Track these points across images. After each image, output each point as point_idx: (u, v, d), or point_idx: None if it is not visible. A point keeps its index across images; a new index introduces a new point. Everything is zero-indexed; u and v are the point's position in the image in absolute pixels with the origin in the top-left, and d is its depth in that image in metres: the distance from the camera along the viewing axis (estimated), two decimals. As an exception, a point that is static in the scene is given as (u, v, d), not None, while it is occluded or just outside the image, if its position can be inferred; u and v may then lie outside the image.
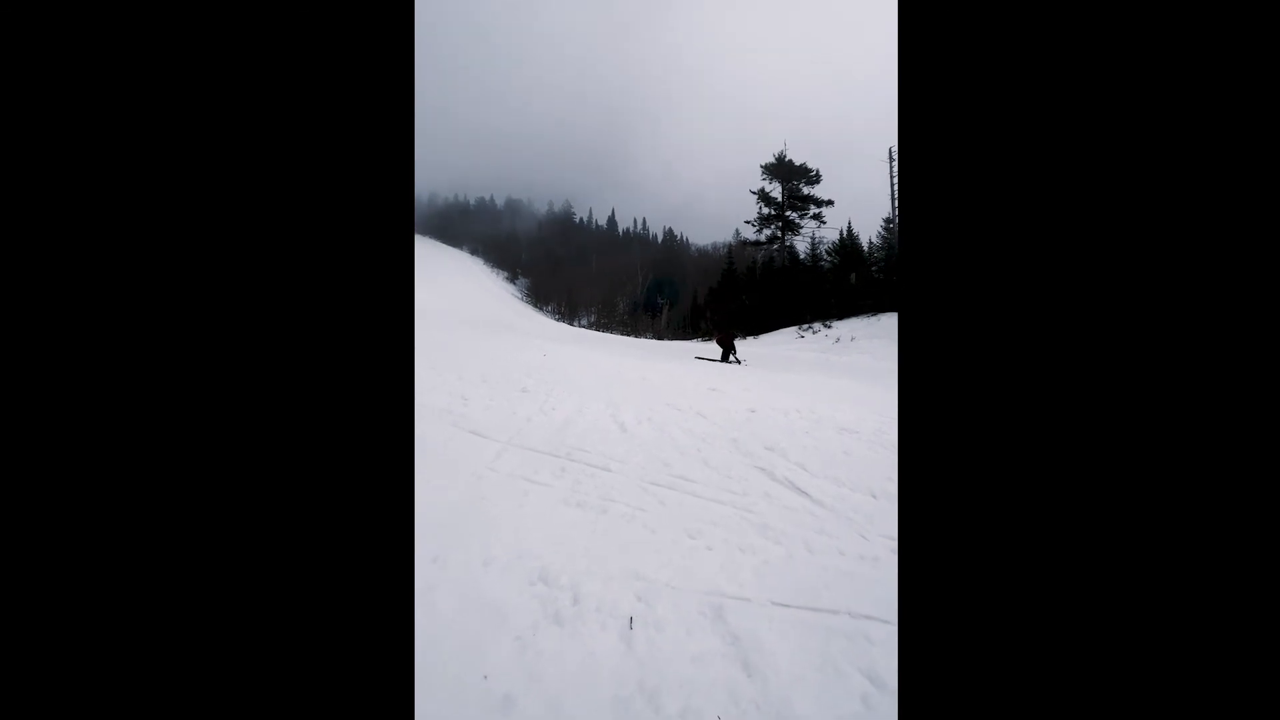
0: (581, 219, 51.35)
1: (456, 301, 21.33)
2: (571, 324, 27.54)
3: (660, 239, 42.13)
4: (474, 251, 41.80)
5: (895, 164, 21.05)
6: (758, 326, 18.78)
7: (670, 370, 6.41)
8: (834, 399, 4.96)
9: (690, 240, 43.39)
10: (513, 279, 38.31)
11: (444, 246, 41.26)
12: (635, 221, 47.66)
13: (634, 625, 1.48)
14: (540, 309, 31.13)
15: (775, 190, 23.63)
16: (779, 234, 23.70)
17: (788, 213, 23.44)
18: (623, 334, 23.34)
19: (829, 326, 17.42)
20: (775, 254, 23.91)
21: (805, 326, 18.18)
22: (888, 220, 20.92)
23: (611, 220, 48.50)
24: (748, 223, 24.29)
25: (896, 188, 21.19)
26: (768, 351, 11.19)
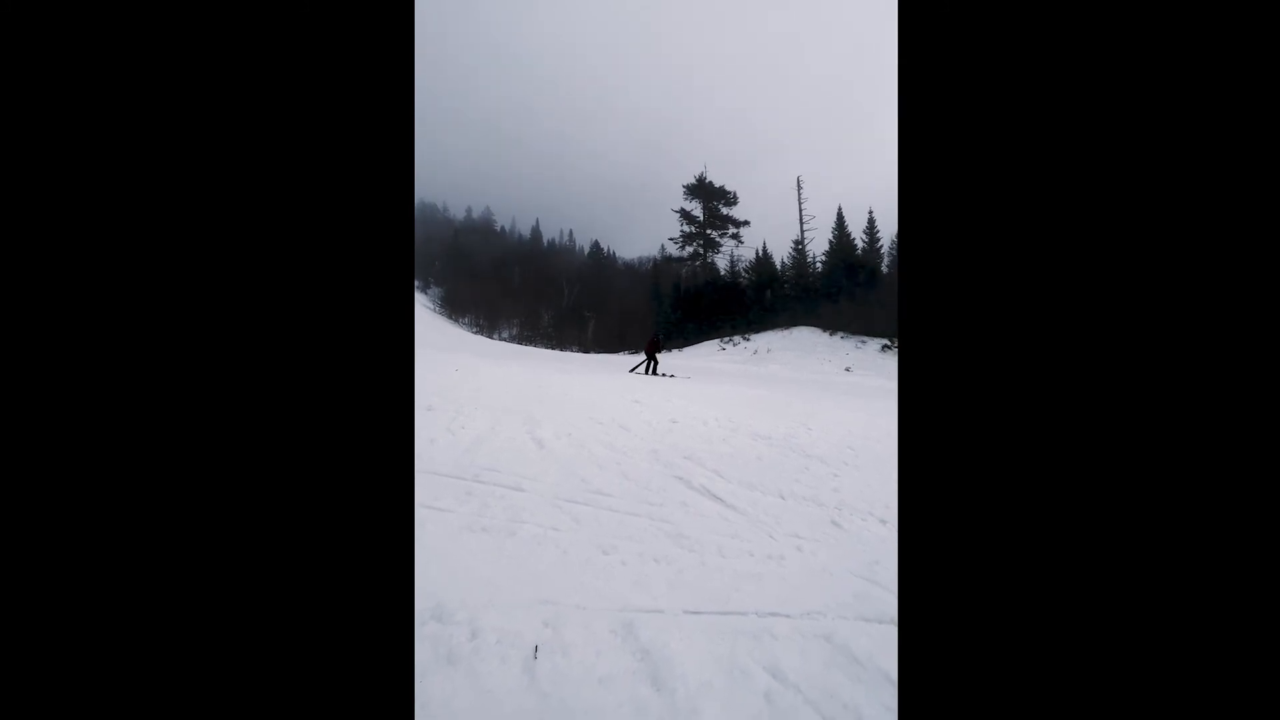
0: (503, 227, 49.86)
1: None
2: (491, 337, 26.38)
3: (586, 251, 42.15)
4: (384, 259, 38.56)
5: (802, 191, 23.21)
6: (682, 340, 19.40)
7: (595, 383, 6.35)
8: (751, 407, 5.22)
9: (618, 254, 43.98)
10: (424, 288, 35.90)
11: (349, 253, 37.59)
12: (561, 233, 47.35)
13: (539, 654, 1.39)
14: (456, 321, 29.47)
15: (696, 209, 24.84)
16: (701, 251, 24.87)
17: (708, 231, 24.70)
18: (547, 347, 22.82)
19: (748, 339, 18.52)
20: (698, 270, 25.02)
21: (726, 339, 19.14)
22: (797, 242, 22.85)
23: (536, 230, 47.65)
24: (672, 239, 25.21)
25: (804, 211, 23.28)
26: (692, 363, 11.59)
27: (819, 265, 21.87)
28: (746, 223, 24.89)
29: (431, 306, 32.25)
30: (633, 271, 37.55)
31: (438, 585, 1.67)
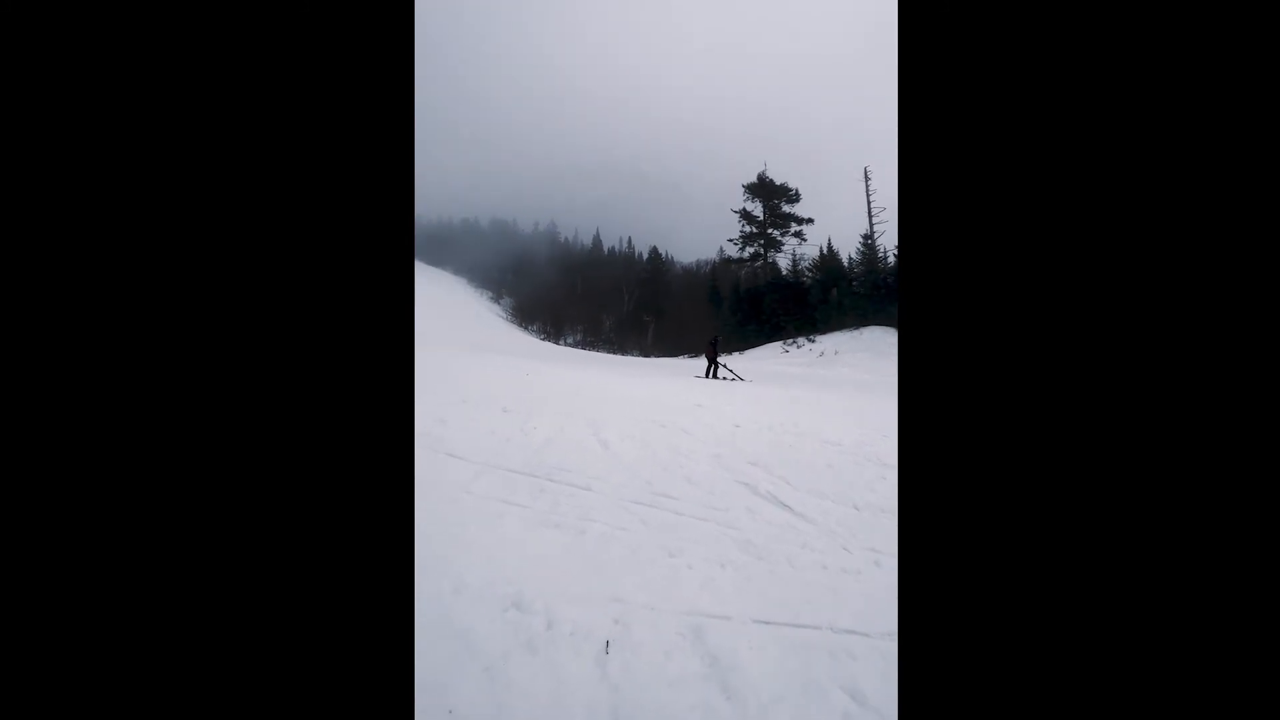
0: (567, 238, 51.83)
1: (438, 324, 21.14)
2: (557, 343, 27.45)
3: (645, 257, 42.64)
4: (457, 272, 41.71)
5: (870, 182, 21.83)
6: (743, 342, 18.96)
7: (655, 386, 6.40)
8: (818, 412, 4.99)
9: (675, 258, 44.06)
10: (497, 299, 38.19)
11: (427, 268, 41.14)
12: (620, 240, 48.29)
13: (610, 650, 1.43)
14: (525, 329, 31.02)
15: (757, 209, 24.21)
16: (761, 251, 24.18)
17: (769, 230, 23.98)
18: (608, 352, 23.32)
19: (813, 341, 17.69)
20: (759, 271, 24.35)
21: (790, 342, 18.42)
22: (866, 237, 21.52)
23: (596, 239, 49.10)
24: (731, 241, 24.74)
25: (893, 196, 21.89)
26: (754, 366, 11.28)
27: (891, 259, 20.37)
28: (810, 220, 23.86)
29: (504, 316, 34.26)
30: (690, 275, 37.42)
31: (517, 575, 1.77)
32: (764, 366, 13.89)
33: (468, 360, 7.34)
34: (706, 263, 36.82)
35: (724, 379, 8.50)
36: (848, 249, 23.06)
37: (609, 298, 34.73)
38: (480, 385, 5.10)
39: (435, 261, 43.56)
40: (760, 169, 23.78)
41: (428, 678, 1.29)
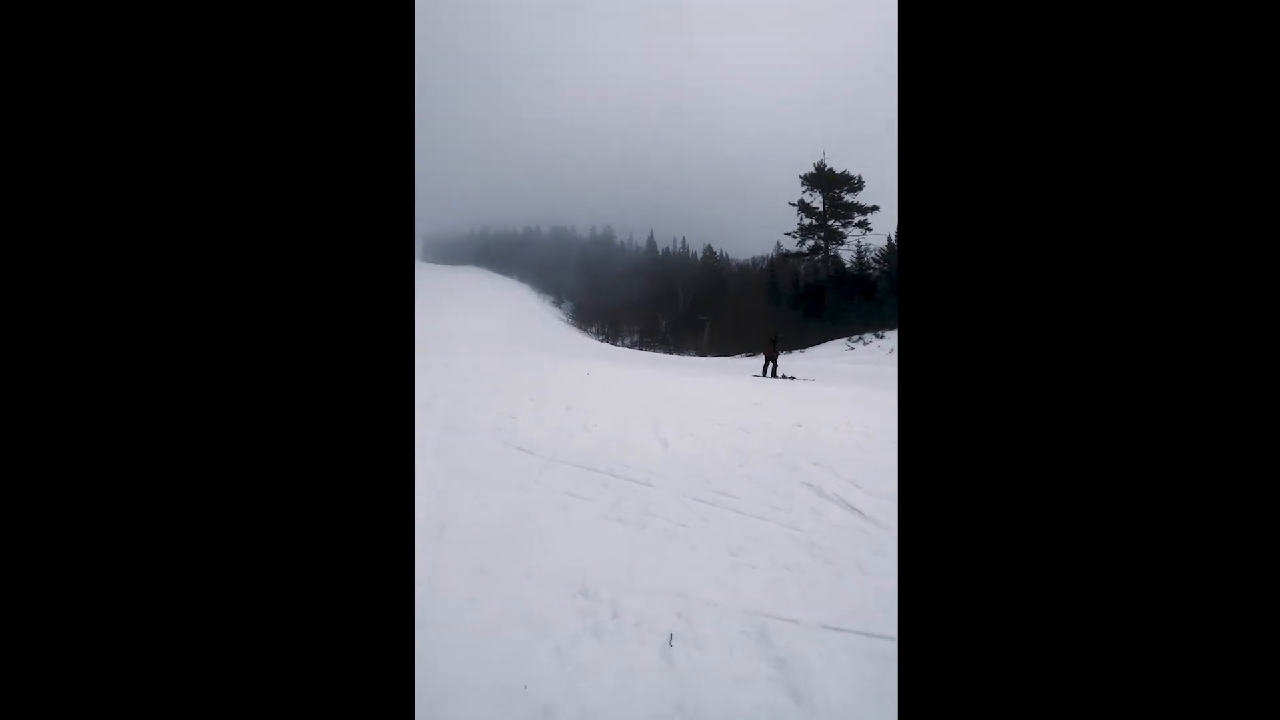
0: (622, 242, 52.58)
1: (505, 326, 22.31)
2: (615, 344, 27.96)
3: (700, 256, 42.19)
4: (522, 278, 43.76)
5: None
6: (804, 339, 18.17)
7: (712, 385, 6.33)
8: (887, 413, 4.69)
9: (730, 255, 43.21)
10: (558, 303, 39.61)
11: (494, 275, 43.54)
12: (675, 241, 48.19)
13: (674, 642, 1.45)
14: (584, 330, 31.89)
15: (816, 200, 23.11)
16: (822, 244, 23.06)
17: (830, 222, 22.80)
18: (665, 352, 23.36)
19: (881, 337, 16.58)
20: (819, 264, 23.25)
21: (856, 338, 17.40)
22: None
23: (651, 241, 49.36)
24: (788, 235, 23.80)
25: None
26: (816, 364, 10.79)
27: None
28: (875, 208, 22.33)
29: (564, 318, 35.51)
30: (747, 272, 36.53)
31: (583, 563, 1.85)
32: (827, 365, 13.24)
33: (533, 361, 7.70)
34: (763, 259, 35.78)
35: (782, 378, 8.22)
36: (920, 237, 21.28)
37: (664, 298, 34.79)
38: (545, 384, 5.33)
39: (502, 269, 46.02)
40: (818, 159, 22.67)
41: (504, 652, 1.38)
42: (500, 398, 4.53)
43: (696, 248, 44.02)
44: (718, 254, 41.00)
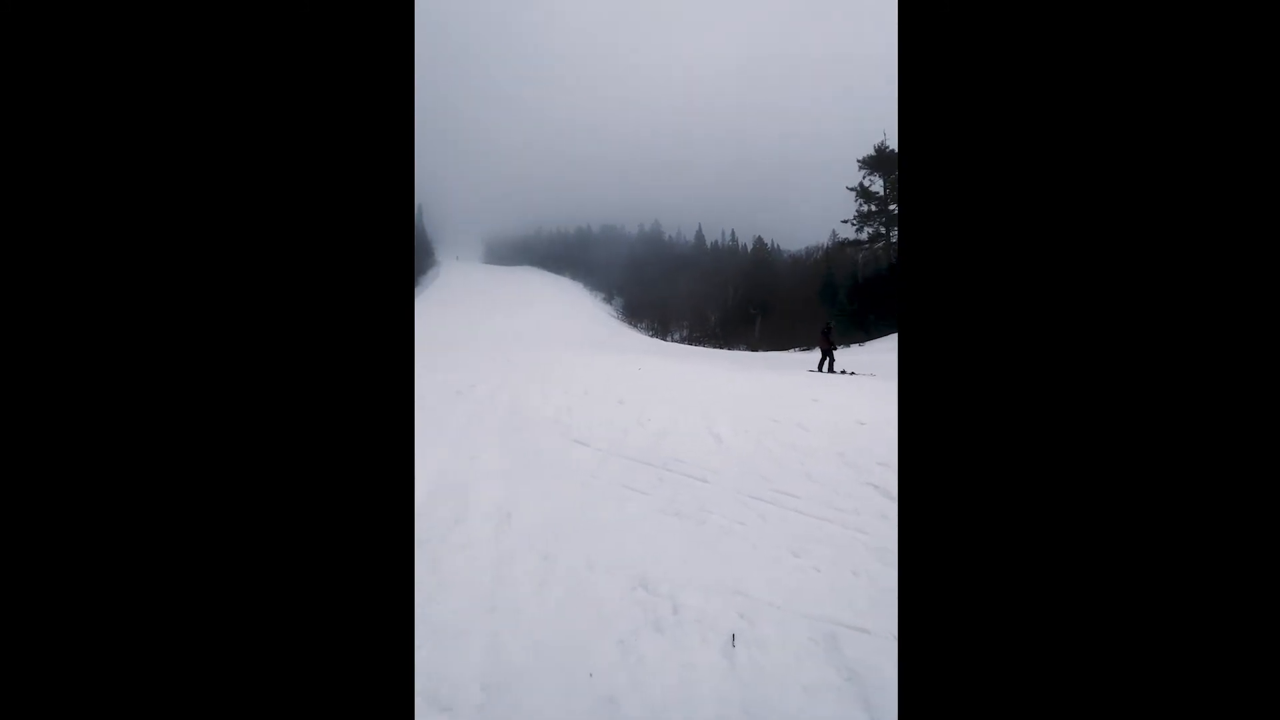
0: (670, 237, 52.24)
1: (559, 324, 22.93)
2: (664, 339, 27.91)
3: (749, 248, 41.03)
4: (575, 277, 44.75)
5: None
6: (862, 333, 17.19)
7: (766, 381, 6.14)
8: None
9: (782, 246, 41.67)
10: (609, 300, 40.10)
11: (547, 274, 44.86)
12: (723, 234, 47.18)
13: (736, 643, 1.41)
14: (635, 326, 32.06)
15: (876, 184, 21.72)
16: (884, 230, 21.66)
17: (892, 206, 21.34)
18: (715, 346, 22.99)
19: (952, 328, 15.29)
20: (879, 253, 21.88)
21: (922, 330, 16.17)
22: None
23: (699, 235, 48.62)
24: (845, 222, 22.55)
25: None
26: (876, 359, 10.13)
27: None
28: (946, 189, 20.55)
29: (615, 315, 35.90)
30: (799, 264, 35.07)
31: (641, 557, 1.85)
32: (889, 359, 12.45)
33: (588, 357, 7.84)
34: (817, 249, 34.20)
35: (841, 373, 7.81)
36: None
37: (713, 292, 34.22)
38: (598, 379, 5.41)
39: (555, 269, 47.32)
40: (879, 140, 21.21)
41: (568, 642, 1.41)
42: (557, 392, 4.65)
43: (746, 240, 42.92)
44: (769, 245, 39.71)
